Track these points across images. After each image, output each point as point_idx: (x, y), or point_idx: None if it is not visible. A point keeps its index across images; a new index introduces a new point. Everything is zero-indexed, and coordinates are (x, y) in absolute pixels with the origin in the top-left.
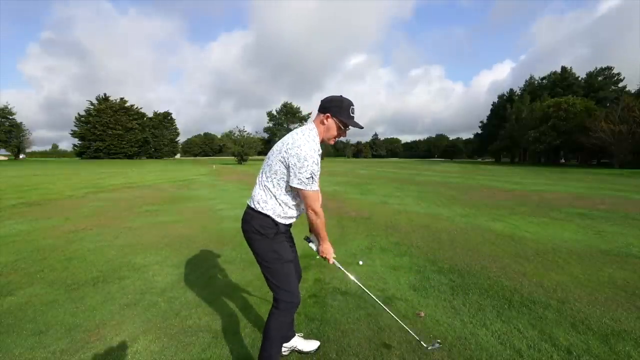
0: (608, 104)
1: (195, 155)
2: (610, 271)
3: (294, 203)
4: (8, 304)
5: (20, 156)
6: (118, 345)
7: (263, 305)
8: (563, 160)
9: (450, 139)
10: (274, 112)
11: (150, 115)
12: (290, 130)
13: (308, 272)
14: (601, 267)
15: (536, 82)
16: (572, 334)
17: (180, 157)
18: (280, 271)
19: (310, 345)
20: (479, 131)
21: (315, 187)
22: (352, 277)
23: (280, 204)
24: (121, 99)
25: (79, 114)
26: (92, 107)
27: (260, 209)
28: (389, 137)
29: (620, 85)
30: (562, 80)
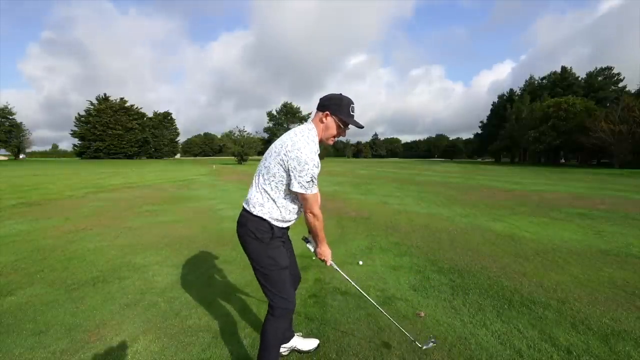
0: (608, 104)
1: (195, 155)
2: (610, 271)
3: (293, 206)
4: (8, 304)
5: (20, 156)
6: (118, 345)
7: (263, 305)
8: (563, 160)
9: (450, 139)
10: (274, 112)
11: (150, 115)
12: None
13: (308, 272)
14: (601, 267)
15: (536, 82)
16: (572, 334)
17: (180, 157)
18: (276, 277)
19: (310, 344)
20: (479, 131)
21: (315, 190)
22: (350, 280)
23: (278, 208)
24: (121, 99)
25: (79, 114)
26: (92, 107)
27: (256, 212)
28: (389, 137)
29: (620, 85)
30: (562, 80)
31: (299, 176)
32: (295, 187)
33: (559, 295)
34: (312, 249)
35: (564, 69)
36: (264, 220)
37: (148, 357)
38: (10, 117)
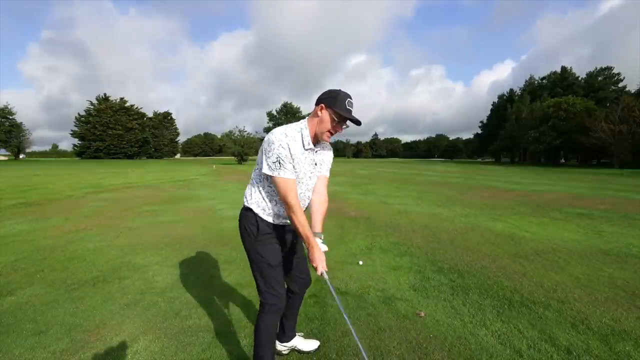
0: (608, 104)
1: (195, 155)
2: (610, 271)
3: (277, 198)
4: (8, 304)
5: (20, 156)
6: (118, 345)
7: None
8: (563, 160)
9: (450, 139)
10: (274, 112)
11: (150, 115)
12: None
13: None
14: (601, 267)
15: (536, 82)
16: (572, 334)
17: (180, 157)
18: (264, 273)
19: (310, 345)
20: (479, 131)
21: (284, 173)
22: (337, 300)
23: (263, 198)
24: (121, 99)
25: (79, 114)
26: (92, 107)
27: (246, 204)
28: (389, 137)
29: (620, 85)
30: (562, 80)
31: (267, 157)
32: (264, 169)
33: (559, 295)
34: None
35: (564, 69)
36: (253, 213)
37: (148, 357)
38: (10, 117)
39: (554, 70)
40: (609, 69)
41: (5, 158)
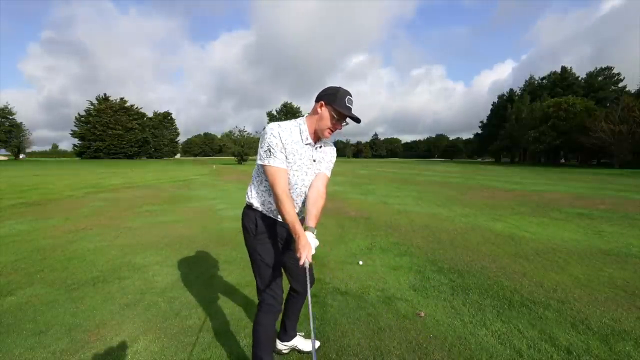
0: (608, 104)
1: (195, 155)
2: (610, 271)
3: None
4: (8, 304)
5: (20, 156)
6: (118, 345)
7: None
8: (563, 160)
9: (450, 139)
10: (274, 112)
11: (150, 115)
12: None
13: None
14: (601, 267)
15: (536, 82)
16: (572, 334)
17: (180, 157)
18: (262, 273)
19: (310, 345)
20: (479, 131)
21: (274, 162)
22: (310, 307)
23: (264, 192)
24: (121, 99)
25: (79, 114)
26: (92, 107)
27: (247, 200)
28: (389, 137)
29: (620, 85)
30: (562, 80)
31: (260, 148)
32: (257, 158)
33: (559, 295)
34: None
35: (564, 69)
36: (252, 209)
37: (148, 357)
38: (10, 117)
39: (554, 70)
40: (609, 69)
41: (5, 158)
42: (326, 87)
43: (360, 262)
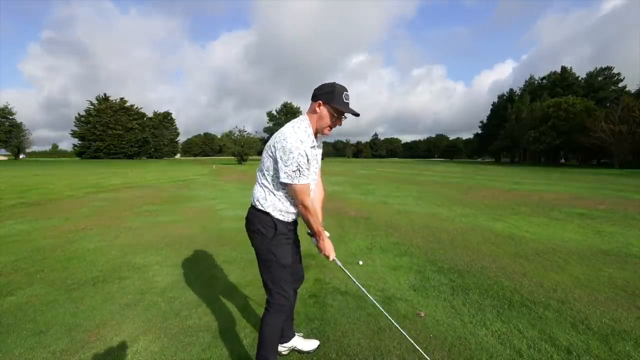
0: (608, 104)
1: (195, 155)
2: (610, 271)
3: (293, 197)
4: (8, 304)
5: (20, 156)
6: (118, 345)
7: (263, 305)
8: (563, 160)
9: (450, 139)
10: (274, 112)
11: (150, 115)
12: None
13: (308, 272)
14: (601, 267)
15: (536, 82)
16: (572, 334)
17: (180, 157)
18: (275, 273)
19: (310, 344)
20: (479, 131)
21: (303, 180)
22: (352, 277)
23: (279, 199)
24: (121, 99)
25: (79, 114)
26: (92, 107)
27: (260, 207)
28: (389, 137)
29: (620, 85)
30: (562, 80)
31: (284, 166)
32: (282, 178)
33: (559, 295)
34: (315, 243)
35: (564, 69)
36: (268, 214)
37: (148, 357)
38: (10, 117)
39: (554, 70)
40: (609, 69)
41: (5, 158)
42: (320, 85)
43: (360, 262)
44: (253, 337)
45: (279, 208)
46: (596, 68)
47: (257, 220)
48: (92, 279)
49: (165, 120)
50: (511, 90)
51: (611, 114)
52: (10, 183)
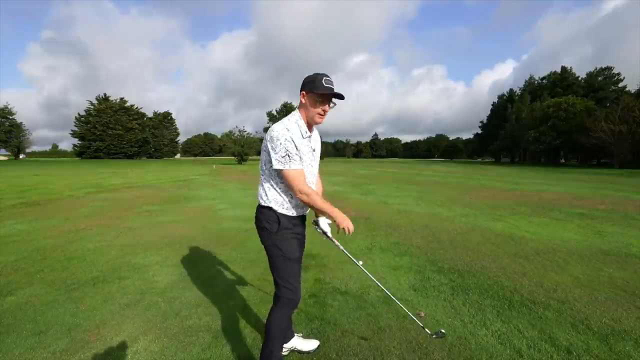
0: (608, 104)
1: (195, 155)
2: (610, 271)
3: (290, 187)
4: (8, 304)
5: (20, 156)
6: (118, 345)
7: (263, 305)
8: (563, 160)
9: (450, 139)
10: (274, 112)
11: (150, 115)
12: None
13: (308, 272)
14: (601, 267)
15: (536, 82)
16: (572, 334)
17: (180, 157)
18: (282, 267)
19: (310, 344)
20: (479, 131)
21: (294, 165)
22: (359, 264)
23: (279, 193)
24: (121, 99)
25: (79, 114)
26: (92, 107)
27: (263, 203)
28: (389, 137)
29: (620, 85)
30: (562, 80)
31: (274, 153)
32: (275, 165)
33: (559, 295)
34: (321, 230)
35: (564, 69)
36: (271, 209)
37: (148, 357)
38: (10, 117)
39: (554, 70)
40: (609, 69)
41: (5, 158)
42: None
43: (360, 262)
44: (253, 337)
45: (280, 202)
46: (596, 68)
47: (263, 217)
48: (92, 279)
49: (165, 120)
50: (511, 90)
51: (611, 114)
52: (10, 183)
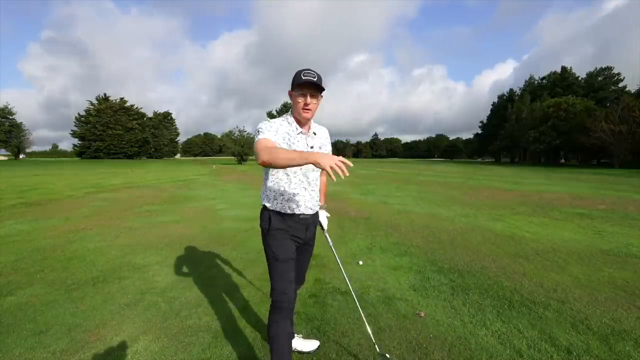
0: (608, 104)
1: (195, 155)
2: (610, 271)
3: (284, 184)
4: (8, 304)
5: (20, 156)
6: (118, 345)
7: (263, 305)
8: (563, 160)
9: (451, 139)
10: (274, 112)
11: (150, 115)
12: None
13: (308, 272)
14: (601, 267)
15: (536, 82)
16: (572, 334)
17: (180, 157)
18: (271, 268)
19: (310, 345)
20: (479, 131)
21: (261, 136)
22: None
23: (271, 189)
24: (121, 99)
25: (79, 114)
26: (92, 107)
27: (261, 202)
28: (389, 137)
29: (621, 85)
30: (562, 80)
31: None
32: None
33: (559, 295)
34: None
35: (564, 69)
36: (264, 207)
37: (148, 357)
38: (10, 117)
39: (554, 70)
40: (609, 69)
41: (5, 158)
42: None
43: (360, 262)
44: (253, 337)
45: (272, 197)
46: (596, 68)
47: (260, 216)
48: (92, 279)
49: (165, 120)
50: (511, 90)
51: (611, 114)
52: (10, 183)
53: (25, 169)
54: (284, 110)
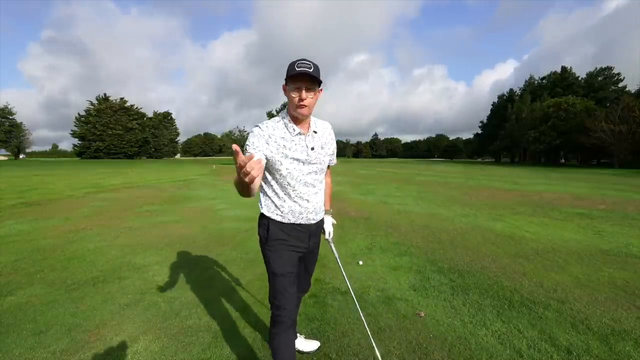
0: (608, 104)
1: (195, 155)
2: (610, 271)
3: (284, 193)
4: (8, 304)
5: (20, 156)
6: (118, 345)
7: (263, 305)
8: (563, 160)
9: (450, 139)
10: (274, 112)
11: (150, 115)
12: None
13: None
14: (601, 267)
15: (536, 82)
16: (572, 334)
17: (180, 157)
18: (272, 283)
19: (311, 345)
20: (479, 131)
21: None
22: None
23: (270, 197)
24: (121, 99)
25: (79, 114)
26: (92, 107)
27: (260, 209)
28: (389, 137)
29: (621, 85)
30: (562, 80)
31: None
32: None
33: (559, 295)
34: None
35: (564, 69)
36: (263, 215)
37: (148, 357)
38: (10, 117)
39: (554, 70)
40: (609, 69)
41: (5, 158)
42: None
43: (360, 262)
44: (253, 337)
45: (269, 205)
46: (596, 68)
47: (259, 224)
48: (92, 279)
49: (165, 120)
50: (511, 90)
51: (611, 114)
52: (10, 183)
53: (25, 169)
54: (283, 110)
